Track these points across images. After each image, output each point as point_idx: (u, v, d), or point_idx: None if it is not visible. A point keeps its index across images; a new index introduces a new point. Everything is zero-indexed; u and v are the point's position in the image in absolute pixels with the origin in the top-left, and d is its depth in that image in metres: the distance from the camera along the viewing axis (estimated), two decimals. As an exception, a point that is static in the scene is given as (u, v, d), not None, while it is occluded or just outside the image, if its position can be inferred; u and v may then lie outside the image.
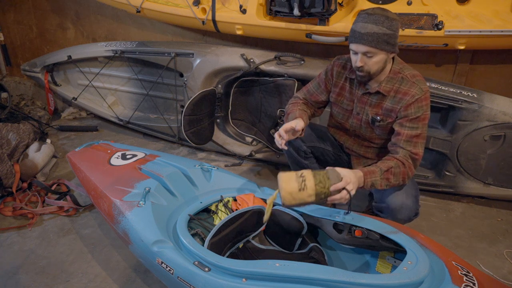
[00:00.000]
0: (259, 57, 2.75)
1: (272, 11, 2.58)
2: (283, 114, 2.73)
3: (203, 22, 2.78)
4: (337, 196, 1.48)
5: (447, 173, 2.47)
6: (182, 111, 2.72)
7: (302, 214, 1.66)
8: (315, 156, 2.13)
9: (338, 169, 1.52)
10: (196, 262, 1.40)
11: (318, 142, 2.11)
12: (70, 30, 3.85)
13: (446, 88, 2.36)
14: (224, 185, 1.92)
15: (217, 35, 3.25)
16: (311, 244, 1.65)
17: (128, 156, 2.10)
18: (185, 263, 1.41)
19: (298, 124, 1.78)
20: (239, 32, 2.75)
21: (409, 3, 2.46)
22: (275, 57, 2.71)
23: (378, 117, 1.82)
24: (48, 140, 3.11)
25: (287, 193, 1.44)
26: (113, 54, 3.17)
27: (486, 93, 2.36)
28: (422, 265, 1.28)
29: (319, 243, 1.70)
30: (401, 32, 2.37)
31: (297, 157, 2.11)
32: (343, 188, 1.48)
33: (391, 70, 1.77)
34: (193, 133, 2.79)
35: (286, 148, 1.83)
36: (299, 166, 2.15)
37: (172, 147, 3.25)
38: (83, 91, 3.49)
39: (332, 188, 1.45)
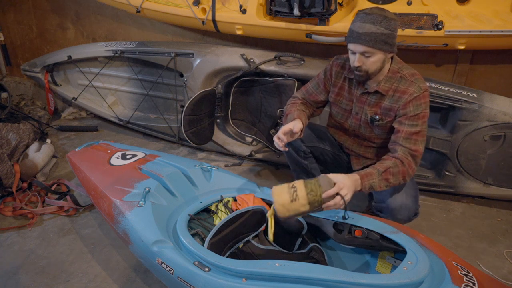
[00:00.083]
0: (259, 57, 2.75)
1: (272, 11, 2.57)
2: (282, 114, 2.74)
3: (203, 22, 2.78)
4: (331, 202, 1.46)
5: (447, 173, 2.47)
6: (182, 111, 2.72)
7: (302, 214, 1.66)
8: (315, 156, 2.13)
9: (332, 175, 1.51)
10: (196, 262, 1.40)
11: (317, 142, 2.11)
12: (70, 30, 3.85)
13: (446, 88, 2.36)
14: (224, 185, 1.92)
15: (217, 35, 3.25)
16: (311, 244, 1.65)
17: (128, 156, 2.10)
18: (185, 263, 1.41)
19: (296, 125, 1.78)
20: (239, 32, 2.75)
21: (409, 3, 2.46)
22: (275, 57, 2.71)
23: (377, 117, 1.82)
24: (48, 140, 3.11)
25: (280, 205, 1.46)
26: (113, 54, 3.17)
27: (486, 93, 2.36)
28: (422, 265, 1.28)
29: (319, 243, 1.70)
30: (401, 32, 2.38)
31: (296, 157, 2.11)
32: (337, 194, 1.47)
33: (389, 70, 1.77)
34: (193, 133, 2.79)
35: (286, 149, 1.83)
36: (298, 166, 2.15)
37: (172, 147, 3.25)
38: (83, 91, 3.49)
39: (324, 195, 1.45)
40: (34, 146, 2.82)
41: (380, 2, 2.51)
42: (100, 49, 3.24)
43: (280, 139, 1.77)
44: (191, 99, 2.71)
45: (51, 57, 3.47)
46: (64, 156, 3.00)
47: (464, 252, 2.13)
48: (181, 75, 3.01)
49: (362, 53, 1.67)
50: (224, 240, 1.58)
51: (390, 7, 2.45)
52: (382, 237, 1.48)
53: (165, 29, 3.46)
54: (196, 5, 2.77)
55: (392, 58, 1.78)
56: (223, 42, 3.27)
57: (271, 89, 2.85)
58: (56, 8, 3.78)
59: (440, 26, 2.33)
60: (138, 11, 2.98)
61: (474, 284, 1.27)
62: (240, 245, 1.66)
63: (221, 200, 1.80)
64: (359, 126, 1.93)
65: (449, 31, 2.33)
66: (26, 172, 2.60)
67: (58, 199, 2.46)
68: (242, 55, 2.76)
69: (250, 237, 1.67)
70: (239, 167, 2.96)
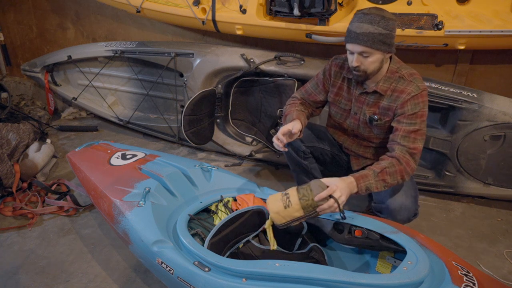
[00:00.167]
0: (259, 57, 2.75)
1: (272, 11, 2.57)
2: (282, 114, 2.74)
3: (203, 22, 2.78)
4: (325, 205, 1.46)
5: (447, 173, 2.47)
6: (182, 111, 2.72)
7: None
8: (315, 156, 2.13)
9: (325, 179, 1.51)
10: (196, 262, 1.40)
11: (317, 142, 2.11)
12: (70, 30, 3.85)
13: (446, 88, 2.36)
14: (224, 185, 1.92)
15: (217, 35, 3.25)
16: (311, 244, 1.65)
17: (128, 156, 2.10)
18: (185, 263, 1.41)
19: (295, 126, 1.78)
20: (239, 32, 2.75)
21: (409, 3, 2.46)
22: (275, 57, 2.71)
23: (376, 117, 1.82)
24: (48, 140, 3.11)
25: (275, 213, 1.49)
26: (113, 54, 3.17)
27: (486, 93, 2.36)
28: (422, 265, 1.28)
29: (319, 243, 1.70)
30: (401, 32, 2.37)
31: (296, 158, 2.11)
32: (331, 197, 1.47)
33: (388, 70, 1.76)
34: (193, 133, 2.79)
35: (286, 149, 1.83)
36: (298, 167, 2.15)
37: (172, 147, 3.25)
38: (83, 91, 3.49)
39: (316, 198, 1.45)
40: (34, 146, 2.82)
41: (380, 2, 2.51)
42: (100, 49, 3.24)
43: (279, 140, 1.77)
44: (191, 99, 2.71)
45: (51, 57, 3.48)
46: (64, 156, 3.00)
47: (464, 252, 2.13)
48: (181, 75, 3.01)
49: (360, 53, 1.67)
50: (224, 240, 1.58)
51: (390, 7, 2.47)
52: (382, 237, 1.48)
53: (165, 29, 3.46)
54: (196, 5, 2.77)
55: (390, 58, 1.78)
56: (223, 42, 3.27)
57: (271, 89, 2.85)
58: (56, 8, 3.78)
59: (440, 26, 2.33)
60: (138, 11, 2.98)
61: (474, 284, 1.27)
62: (240, 245, 1.66)
63: (221, 200, 1.80)
64: (358, 126, 1.93)
65: (449, 31, 2.33)
66: (26, 172, 2.60)
67: (58, 199, 2.46)
68: (242, 55, 2.76)
69: (250, 237, 1.67)
70: (239, 167, 2.96)
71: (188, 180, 1.89)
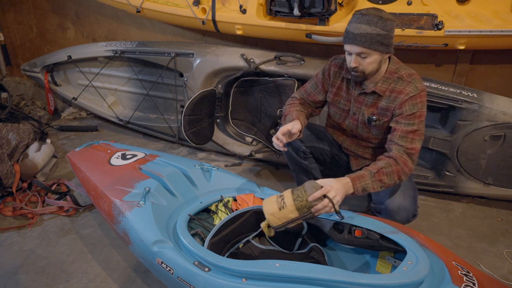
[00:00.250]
0: (259, 57, 2.75)
1: (272, 11, 2.57)
2: (282, 114, 2.74)
3: (203, 22, 2.78)
4: (319, 205, 1.46)
5: (447, 173, 2.47)
6: (182, 111, 2.72)
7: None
8: (314, 156, 2.13)
9: (320, 180, 1.52)
10: (196, 262, 1.40)
11: (317, 142, 2.11)
12: (70, 30, 3.85)
13: (446, 88, 2.36)
14: (224, 185, 1.92)
15: (217, 35, 3.25)
16: (311, 244, 1.65)
17: (128, 156, 2.10)
18: (185, 263, 1.41)
19: (294, 126, 1.78)
20: (239, 32, 2.75)
21: (409, 3, 2.46)
22: (275, 57, 2.71)
23: (374, 117, 1.82)
24: (48, 140, 3.11)
25: (270, 215, 1.49)
26: (113, 54, 3.17)
27: (486, 93, 2.36)
28: (422, 265, 1.28)
29: (319, 243, 1.70)
30: (401, 32, 2.37)
31: (296, 158, 2.11)
32: (325, 197, 1.47)
33: (387, 70, 1.76)
34: (193, 133, 2.79)
35: (285, 149, 1.83)
36: (298, 167, 2.15)
37: (172, 147, 3.25)
38: (83, 91, 3.49)
39: (310, 199, 1.45)
40: (34, 146, 2.82)
41: (380, 2, 2.51)
42: (100, 49, 3.24)
43: (279, 140, 1.77)
44: (191, 99, 2.71)
45: (51, 57, 3.48)
46: (64, 156, 3.00)
47: (464, 252, 2.13)
48: (181, 75, 3.01)
49: (358, 54, 1.67)
50: (224, 240, 1.58)
51: (390, 7, 2.47)
52: (382, 237, 1.48)
53: (165, 29, 3.46)
54: (196, 5, 2.77)
55: (389, 58, 1.77)
56: (223, 42, 3.27)
57: (271, 89, 2.85)
58: (56, 8, 3.78)
59: (440, 26, 2.33)
60: (138, 11, 2.98)
61: (474, 284, 1.27)
62: (240, 245, 1.66)
63: (221, 200, 1.80)
64: (357, 126, 1.93)
65: (449, 31, 2.33)
66: (26, 172, 2.60)
67: (58, 199, 2.46)
68: (242, 55, 2.76)
69: (250, 237, 1.67)
70: (239, 167, 2.96)
71: (188, 180, 1.89)
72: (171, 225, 1.62)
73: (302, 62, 2.66)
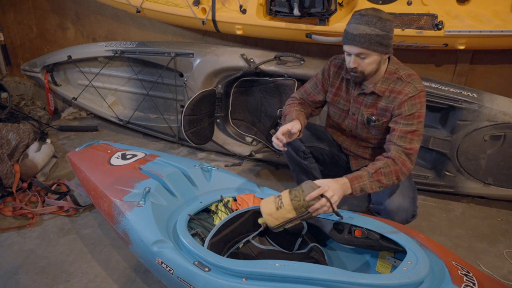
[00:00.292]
0: (259, 57, 2.75)
1: (272, 11, 2.57)
2: (282, 114, 2.75)
3: (203, 22, 2.78)
4: (317, 205, 1.46)
5: (447, 173, 2.47)
6: (182, 111, 2.72)
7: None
8: (314, 156, 2.13)
9: (318, 180, 1.52)
10: (196, 262, 1.40)
11: (317, 142, 2.11)
12: (70, 30, 3.85)
13: (446, 88, 2.36)
14: (224, 185, 1.92)
15: (217, 35, 3.25)
16: (311, 244, 1.65)
17: (128, 156, 2.10)
18: (185, 263, 1.41)
19: (294, 126, 1.78)
20: (239, 32, 2.75)
21: (409, 3, 2.46)
22: (275, 57, 2.71)
23: (373, 117, 1.82)
24: (48, 140, 3.11)
25: (267, 215, 1.50)
26: (113, 54, 3.17)
27: (486, 93, 2.36)
28: (422, 265, 1.28)
29: (319, 243, 1.70)
30: (401, 32, 2.37)
31: (296, 158, 2.11)
32: (322, 196, 1.47)
33: (386, 71, 1.76)
34: (193, 133, 2.79)
35: (285, 149, 1.83)
36: (298, 167, 2.14)
37: (172, 147, 3.25)
38: (83, 91, 3.49)
39: (307, 198, 1.46)
40: (34, 146, 2.82)
41: (380, 2, 2.51)
42: (100, 49, 3.24)
43: (279, 140, 1.77)
44: (191, 99, 2.71)
45: (51, 57, 3.48)
46: (64, 156, 3.00)
47: (464, 252, 2.13)
48: (181, 75, 3.01)
49: (357, 55, 1.67)
50: (224, 240, 1.58)
51: (390, 7, 2.47)
52: (382, 237, 1.48)
53: (165, 29, 3.46)
54: (196, 5, 2.77)
55: (389, 58, 1.77)
56: (223, 42, 3.27)
57: (271, 89, 2.85)
58: (56, 8, 3.78)
59: (440, 26, 2.33)
60: (138, 11, 2.98)
61: (474, 284, 1.27)
62: (240, 245, 1.66)
63: (221, 200, 1.80)
64: (356, 126, 1.93)
65: (449, 31, 2.33)
66: (26, 172, 2.60)
67: (58, 199, 2.46)
68: (242, 55, 2.76)
69: (250, 237, 1.67)
70: (239, 167, 2.96)
71: (188, 180, 1.89)
72: (171, 225, 1.62)
73: (302, 62, 2.66)
